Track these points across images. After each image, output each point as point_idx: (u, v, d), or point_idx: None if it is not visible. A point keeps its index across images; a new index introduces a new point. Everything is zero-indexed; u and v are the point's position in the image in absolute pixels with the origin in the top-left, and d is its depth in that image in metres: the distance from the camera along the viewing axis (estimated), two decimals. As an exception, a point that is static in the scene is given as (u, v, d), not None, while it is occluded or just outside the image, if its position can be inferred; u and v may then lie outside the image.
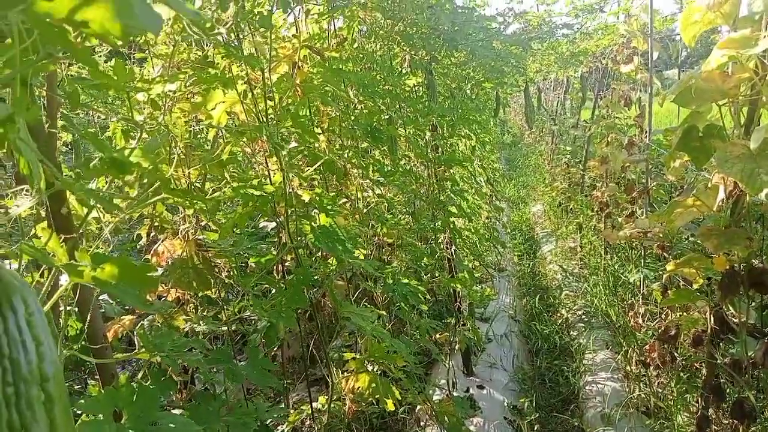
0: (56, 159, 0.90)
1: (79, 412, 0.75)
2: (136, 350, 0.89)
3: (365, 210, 2.32)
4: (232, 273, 2.29)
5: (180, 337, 0.92)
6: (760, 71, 1.87)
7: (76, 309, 0.84)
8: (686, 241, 3.87)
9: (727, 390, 2.43)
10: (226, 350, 1.31)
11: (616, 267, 4.83)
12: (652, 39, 4.19)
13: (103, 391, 0.74)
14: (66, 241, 0.76)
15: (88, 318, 0.84)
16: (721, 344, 2.40)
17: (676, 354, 2.90)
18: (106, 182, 1.42)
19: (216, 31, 1.15)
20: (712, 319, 2.29)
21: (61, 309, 0.88)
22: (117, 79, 0.90)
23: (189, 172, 2.00)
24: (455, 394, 3.32)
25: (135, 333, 2.12)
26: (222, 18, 1.11)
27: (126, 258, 0.66)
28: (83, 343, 0.82)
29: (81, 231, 0.94)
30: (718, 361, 2.29)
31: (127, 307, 2.83)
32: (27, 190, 0.79)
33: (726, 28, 2.17)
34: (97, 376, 0.94)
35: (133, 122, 1.01)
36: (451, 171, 3.52)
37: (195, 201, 1.16)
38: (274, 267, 2.12)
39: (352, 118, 2.19)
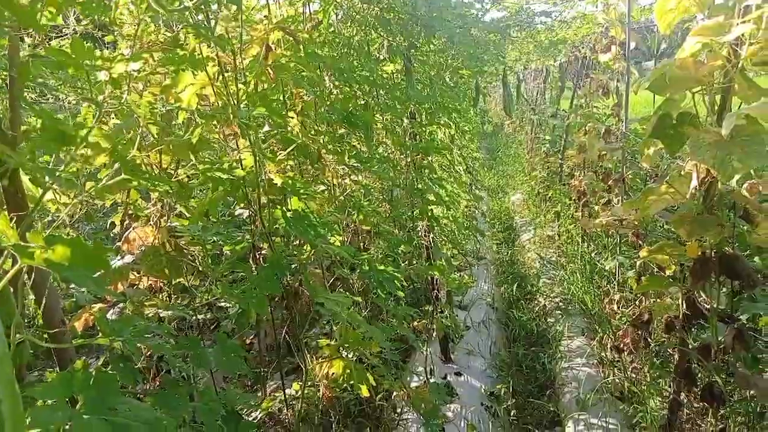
0: (14, 139, 0.87)
1: (35, 398, 0.72)
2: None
3: (342, 197, 2.30)
4: (205, 260, 2.26)
5: (144, 323, 0.89)
6: (732, 59, 1.88)
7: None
8: (661, 229, 3.92)
9: (698, 374, 2.47)
10: (194, 337, 1.29)
11: (592, 255, 4.89)
12: (630, 28, 4.21)
13: (57, 376, 0.71)
14: (18, 223, 0.73)
15: (44, 302, 0.81)
16: (692, 330, 2.44)
17: (649, 339, 2.95)
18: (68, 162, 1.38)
19: (180, 6, 1.12)
20: (684, 305, 2.32)
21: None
22: (75, 57, 0.86)
23: (161, 157, 1.96)
24: (433, 380, 3.33)
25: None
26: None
27: (79, 239, 0.63)
28: (37, 328, 0.79)
29: (36, 215, 0.91)
30: (690, 346, 2.32)
31: (98, 295, 2.78)
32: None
33: (701, 17, 2.18)
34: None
35: (93, 102, 0.97)
36: (430, 159, 3.51)
37: (158, 183, 1.13)
38: (250, 255, 2.09)
39: (328, 102, 2.17)
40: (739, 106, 2.08)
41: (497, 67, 6.72)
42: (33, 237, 0.69)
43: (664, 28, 2.22)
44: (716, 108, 2.08)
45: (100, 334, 0.82)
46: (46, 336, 0.85)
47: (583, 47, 5.91)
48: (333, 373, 1.73)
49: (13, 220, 0.73)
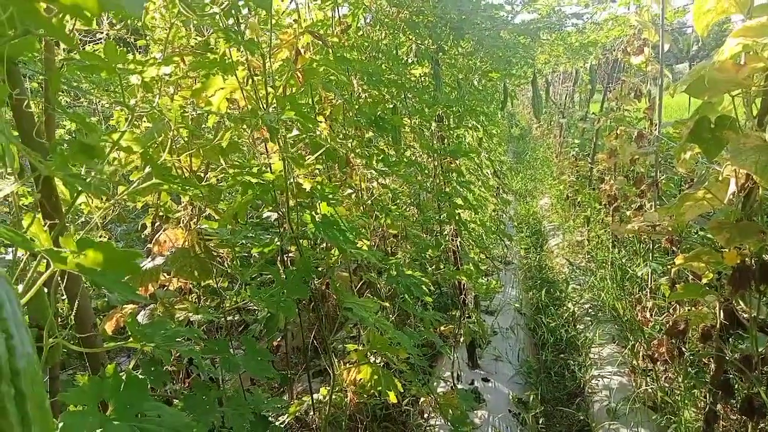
0: (46, 144, 0.87)
1: (66, 403, 0.72)
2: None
3: (369, 201, 2.29)
4: (234, 263, 2.27)
5: (175, 326, 0.89)
6: (776, 60, 1.82)
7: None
8: (695, 235, 3.81)
9: (736, 386, 2.39)
10: (223, 341, 1.29)
11: (623, 261, 4.78)
12: (663, 30, 4.12)
13: (88, 381, 0.71)
14: (52, 227, 0.74)
15: (76, 304, 0.81)
16: (730, 340, 2.36)
17: (684, 349, 2.86)
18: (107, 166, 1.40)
19: (210, 11, 1.12)
20: (721, 314, 2.24)
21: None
22: (108, 60, 0.87)
23: (191, 160, 1.97)
24: (460, 386, 3.29)
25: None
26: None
27: (110, 244, 0.63)
28: (70, 329, 0.80)
29: (70, 217, 0.91)
30: (727, 357, 2.25)
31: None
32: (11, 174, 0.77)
33: (739, 18, 2.12)
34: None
35: (125, 105, 0.98)
36: (457, 162, 3.48)
37: (189, 187, 1.13)
38: (278, 257, 2.10)
39: (356, 106, 2.16)
40: (781, 109, 2.01)
41: (525, 69, 6.65)
42: (65, 241, 0.69)
43: (701, 30, 2.16)
44: (756, 112, 2.02)
45: (131, 338, 0.82)
46: (78, 338, 0.86)
47: (614, 49, 5.81)
48: (360, 379, 1.72)
49: (47, 224, 0.73)
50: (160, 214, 2.37)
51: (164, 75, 1.12)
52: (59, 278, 0.79)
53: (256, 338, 1.64)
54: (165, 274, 2.25)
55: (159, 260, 2.14)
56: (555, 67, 10.29)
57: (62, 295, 0.84)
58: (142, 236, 3.07)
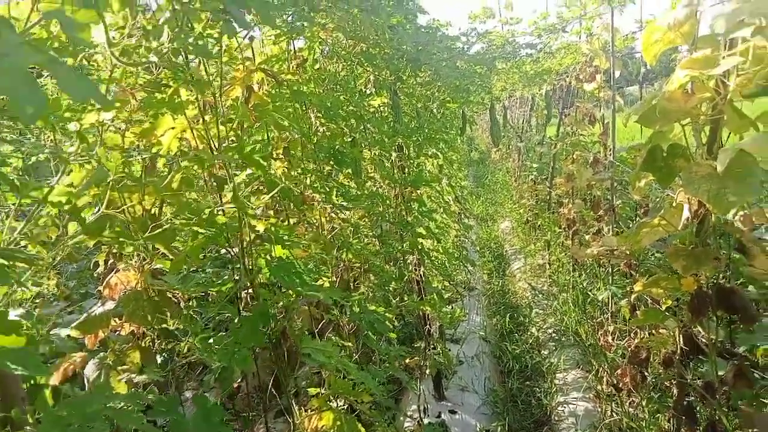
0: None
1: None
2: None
3: (329, 236, 2.24)
4: (189, 303, 2.18)
5: (111, 394, 0.82)
6: (722, 91, 1.87)
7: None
8: (653, 258, 3.88)
9: (699, 410, 2.40)
10: (172, 398, 1.21)
11: (584, 284, 4.84)
12: (614, 58, 4.24)
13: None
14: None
15: None
16: (690, 364, 2.38)
17: (646, 373, 2.88)
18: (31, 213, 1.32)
19: (146, 61, 1.07)
20: (681, 339, 2.26)
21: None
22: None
23: (143, 197, 1.89)
24: (426, 420, 3.23)
25: (85, 373, 1.99)
26: (151, 47, 1.03)
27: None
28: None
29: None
30: (689, 382, 2.26)
31: (80, 341, 2.68)
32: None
33: (685, 47, 2.18)
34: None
35: (60, 157, 0.92)
36: (419, 192, 3.47)
37: (127, 242, 1.06)
38: (236, 296, 2.02)
39: (314, 140, 2.12)
40: (728, 136, 2.07)
41: (483, 96, 6.75)
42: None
43: (650, 60, 2.21)
44: (706, 140, 2.07)
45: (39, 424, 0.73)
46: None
47: (567, 76, 5.96)
48: (323, 426, 1.65)
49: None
50: (114, 251, 2.27)
51: (105, 120, 1.06)
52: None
53: (212, 388, 1.56)
54: (117, 319, 2.14)
55: (110, 305, 2.04)
56: (512, 92, 10.52)
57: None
58: (95, 274, 2.94)
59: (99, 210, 1.37)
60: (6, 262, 0.72)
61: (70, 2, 0.61)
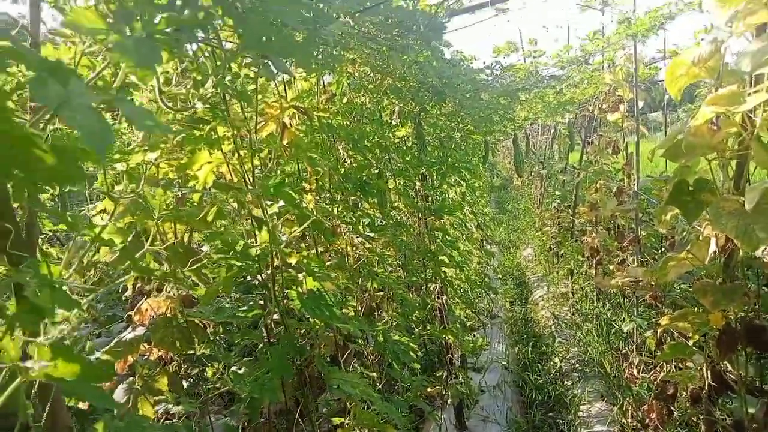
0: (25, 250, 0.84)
1: None
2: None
3: (355, 265, 2.27)
4: (216, 329, 2.21)
5: (149, 425, 0.85)
6: (748, 126, 1.88)
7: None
8: (678, 290, 3.83)
9: (729, 448, 2.35)
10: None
11: (608, 315, 4.78)
12: (637, 88, 4.26)
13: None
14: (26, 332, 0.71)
15: (48, 407, 0.78)
16: (718, 401, 2.34)
17: (672, 409, 2.83)
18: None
19: (191, 106, 1.13)
20: (709, 375, 2.23)
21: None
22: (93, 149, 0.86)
23: (175, 226, 1.95)
24: (448, 451, 3.21)
25: (114, 398, 2.03)
26: (198, 93, 1.09)
27: (81, 357, 0.62)
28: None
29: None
30: (717, 419, 2.22)
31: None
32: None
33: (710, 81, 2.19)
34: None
35: (109, 197, 0.97)
36: (442, 221, 3.50)
37: (170, 279, 1.11)
38: (262, 323, 2.05)
39: (342, 172, 2.17)
40: (754, 170, 2.07)
41: (506, 125, 6.79)
42: (34, 350, 0.67)
43: (674, 93, 2.22)
44: (732, 174, 2.07)
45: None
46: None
47: (590, 105, 5.98)
48: (348, 456, 1.66)
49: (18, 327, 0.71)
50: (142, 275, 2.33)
51: (150, 159, 1.12)
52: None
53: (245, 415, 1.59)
54: (144, 344, 2.19)
55: (140, 330, 2.09)
56: (534, 120, 10.55)
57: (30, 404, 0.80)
58: (123, 297, 3.00)
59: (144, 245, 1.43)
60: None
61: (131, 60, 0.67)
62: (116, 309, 4.24)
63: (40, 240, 1.15)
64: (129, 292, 2.41)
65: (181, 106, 1.11)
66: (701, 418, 2.37)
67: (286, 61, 1.13)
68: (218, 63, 1.04)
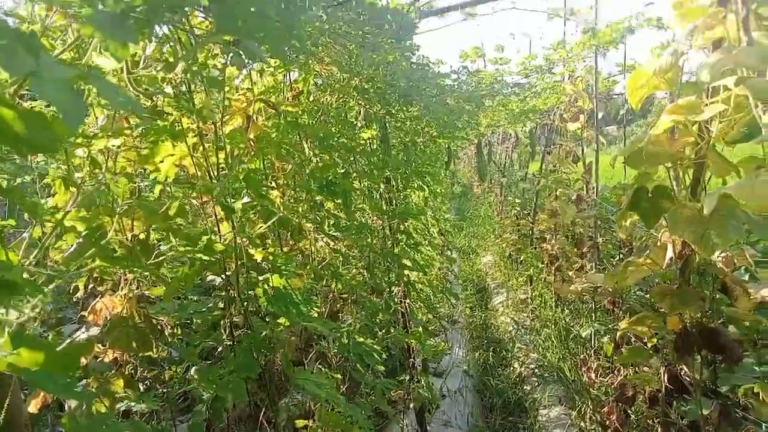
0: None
1: None
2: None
3: (319, 266, 2.24)
4: (175, 331, 2.14)
5: (114, 423, 0.80)
6: (705, 136, 1.93)
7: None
8: (635, 296, 3.93)
9: (683, 449, 2.41)
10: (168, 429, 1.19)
11: (567, 320, 4.87)
12: (597, 100, 4.37)
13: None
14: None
15: (6, 401, 0.73)
16: (675, 403, 2.40)
17: (629, 411, 2.89)
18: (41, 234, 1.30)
19: (159, 90, 1.09)
20: (666, 377, 2.29)
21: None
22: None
23: (132, 223, 1.88)
24: (409, 456, 3.19)
25: (66, 401, 1.94)
26: (167, 77, 1.05)
27: (48, 342, 0.57)
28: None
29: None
30: (674, 420, 2.28)
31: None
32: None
33: (661, 93, 2.25)
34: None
35: (71, 182, 0.92)
36: (406, 224, 3.49)
37: (136, 268, 1.06)
38: (222, 324, 2.00)
39: (307, 171, 2.14)
40: (709, 178, 2.13)
41: (468, 132, 6.87)
42: (-4, 337, 0.62)
43: (635, 103, 2.28)
44: (689, 182, 2.13)
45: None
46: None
47: (552, 115, 6.11)
48: (311, 459, 1.63)
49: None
50: (95, 275, 2.24)
51: (113, 146, 1.07)
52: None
53: (205, 420, 1.53)
54: (99, 345, 2.10)
55: (94, 330, 2.00)
56: (495, 128, 10.71)
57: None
58: (74, 299, 2.89)
59: (102, 236, 1.37)
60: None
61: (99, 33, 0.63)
62: (66, 311, 4.07)
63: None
64: (80, 293, 2.32)
65: (145, 92, 1.07)
66: (657, 420, 2.43)
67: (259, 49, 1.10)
68: (188, 48, 1.00)
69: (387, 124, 3.33)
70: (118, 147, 1.24)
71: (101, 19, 0.66)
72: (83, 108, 0.56)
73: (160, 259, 1.27)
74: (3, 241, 0.71)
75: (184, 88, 1.42)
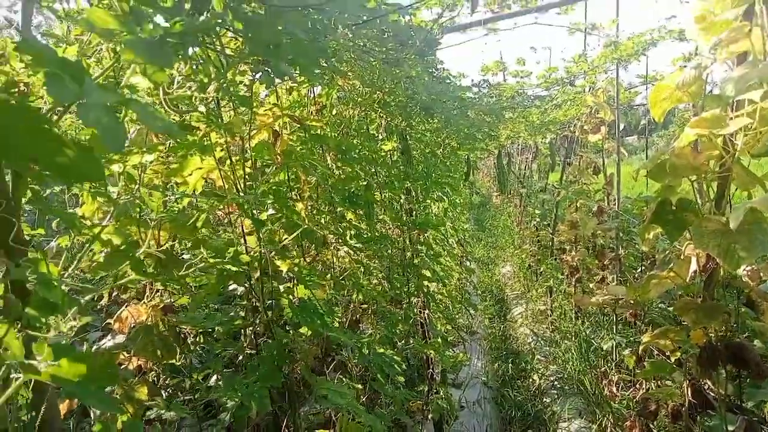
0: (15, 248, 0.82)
1: None
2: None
3: (341, 276, 2.27)
4: (197, 338, 2.18)
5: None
6: (730, 149, 1.92)
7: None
8: (657, 309, 3.89)
9: (708, 466, 2.37)
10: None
11: (587, 332, 4.82)
12: (619, 111, 4.35)
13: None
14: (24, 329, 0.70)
15: (42, 410, 0.76)
16: (698, 418, 2.37)
17: (652, 426, 2.86)
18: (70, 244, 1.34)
19: (193, 109, 1.13)
20: (689, 392, 2.26)
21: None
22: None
23: (159, 233, 1.93)
24: (428, 468, 3.19)
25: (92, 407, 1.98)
26: (200, 96, 1.09)
27: (86, 353, 0.60)
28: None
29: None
30: (697, 436, 2.25)
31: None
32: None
33: (682, 105, 2.24)
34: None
35: (106, 198, 0.96)
36: (426, 235, 3.51)
37: (169, 281, 1.10)
38: (242, 331, 2.03)
39: (330, 183, 2.17)
40: (734, 191, 2.12)
41: (488, 143, 6.87)
42: (39, 348, 0.66)
43: (658, 116, 2.27)
44: (714, 195, 2.12)
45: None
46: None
47: (572, 126, 6.09)
48: (333, 469, 1.64)
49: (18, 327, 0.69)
50: (119, 284, 2.28)
51: (147, 162, 1.11)
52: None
53: (225, 428, 1.56)
54: (124, 353, 2.14)
55: (120, 338, 2.05)
56: (514, 139, 10.69)
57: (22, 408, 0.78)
58: (98, 306, 2.95)
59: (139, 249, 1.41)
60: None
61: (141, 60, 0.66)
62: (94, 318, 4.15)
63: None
64: (104, 301, 2.37)
65: (177, 110, 1.10)
66: (679, 436, 2.39)
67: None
68: (220, 68, 1.04)
69: (408, 136, 3.36)
70: (153, 162, 1.28)
71: (141, 45, 0.69)
72: (123, 132, 0.59)
73: (190, 270, 1.30)
74: (46, 255, 0.74)
75: (212, 105, 1.46)
